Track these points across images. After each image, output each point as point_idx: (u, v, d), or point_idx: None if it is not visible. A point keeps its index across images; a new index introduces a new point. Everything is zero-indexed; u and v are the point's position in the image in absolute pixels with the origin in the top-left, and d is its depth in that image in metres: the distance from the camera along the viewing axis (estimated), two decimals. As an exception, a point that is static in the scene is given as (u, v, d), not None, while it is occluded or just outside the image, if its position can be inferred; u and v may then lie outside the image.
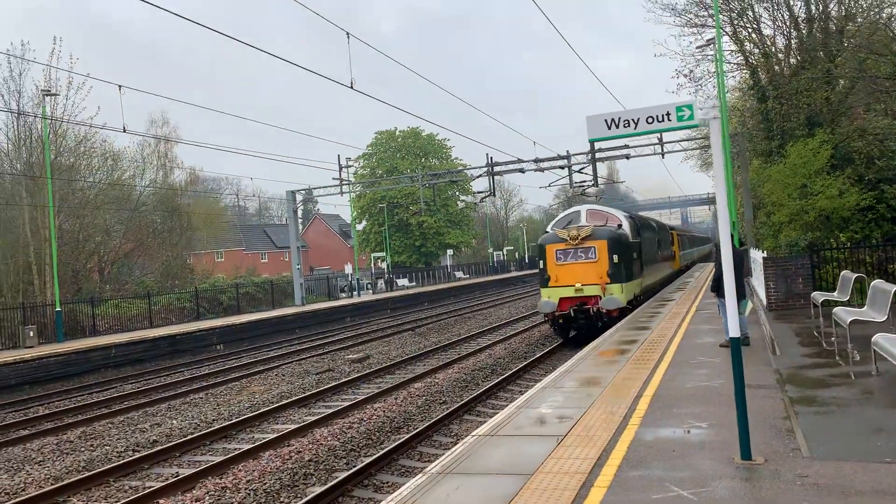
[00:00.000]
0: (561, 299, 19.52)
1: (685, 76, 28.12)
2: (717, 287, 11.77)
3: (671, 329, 15.19)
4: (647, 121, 6.36)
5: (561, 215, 23.01)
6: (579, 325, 19.75)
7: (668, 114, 6.33)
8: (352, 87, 19.14)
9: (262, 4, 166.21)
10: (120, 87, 22.24)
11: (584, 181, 36.57)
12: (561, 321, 19.94)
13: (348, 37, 18.39)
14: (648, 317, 18.25)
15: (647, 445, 6.70)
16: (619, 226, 20.97)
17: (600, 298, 18.97)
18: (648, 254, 24.96)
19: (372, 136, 69.02)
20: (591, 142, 6.93)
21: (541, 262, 20.12)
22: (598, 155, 34.91)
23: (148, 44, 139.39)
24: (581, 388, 9.87)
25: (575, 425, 7.65)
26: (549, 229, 20.95)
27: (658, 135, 32.15)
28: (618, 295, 18.92)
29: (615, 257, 19.14)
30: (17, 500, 9.68)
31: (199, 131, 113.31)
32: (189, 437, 12.72)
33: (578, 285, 19.31)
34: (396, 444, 10.86)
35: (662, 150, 35.37)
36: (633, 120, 6.40)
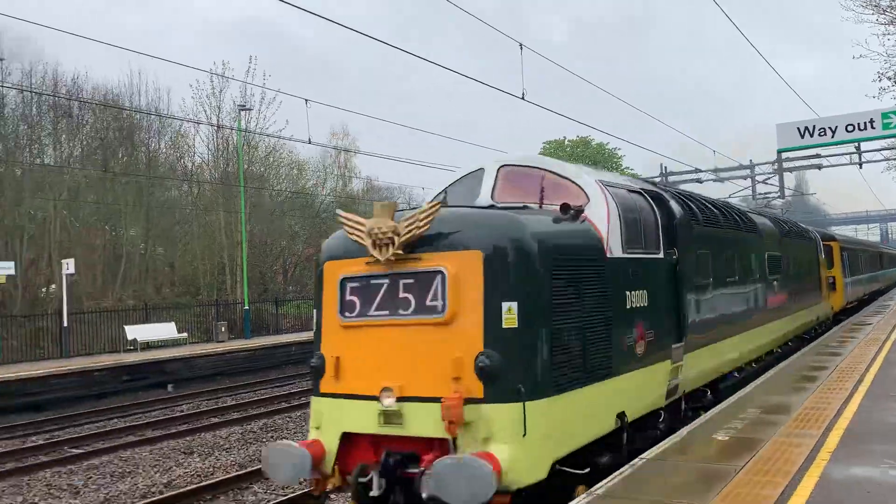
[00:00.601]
0: (344, 437, 6.48)
1: (889, 79, 25.66)
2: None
3: (867, 357, 13.81)
4: (846, 129, 5.81)
5: (455, 179, 9.11)
6: None
7: (871, 121, 5.75)
8: (523, 98, 19.13)
9: (434, 20, 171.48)
10: (307, 100, 23.69)
11: (769, 192, 34.21)
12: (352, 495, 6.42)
13: (521, 48, 18.38)
14: (839, 342, 16.72)
15: (837, 484, 6.09)
16: (572, 212, 7.04)
17: (449, 445, 5.83)
18: (719, 287, 10.57)
19: (540, 145, 68.60)
20: (780, 151, 6.41)
21: (315, 310, 7.15)
22: (785, 164, 32.56)
23: (324, 58, 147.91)
24: (763, 415, 9.20)
25: (754, 457, 7.11)
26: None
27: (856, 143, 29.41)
28: (506, 444, 5.71)
29: (511, 307, 5.86)
30: (208, 482, 10.57)
31: (374, 141, 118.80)
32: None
33: (388, 401, 6.11)
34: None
35: (860, 159, 32.35)
36: (829, 128, 5.86)
